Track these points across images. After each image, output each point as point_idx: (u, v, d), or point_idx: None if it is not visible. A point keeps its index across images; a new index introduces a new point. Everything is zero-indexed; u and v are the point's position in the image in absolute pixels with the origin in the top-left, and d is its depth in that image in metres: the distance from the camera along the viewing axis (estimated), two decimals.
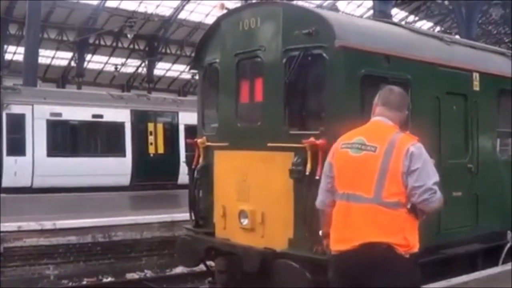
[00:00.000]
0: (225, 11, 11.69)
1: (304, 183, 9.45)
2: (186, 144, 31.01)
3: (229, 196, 10.96)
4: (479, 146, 11.87)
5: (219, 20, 11.91)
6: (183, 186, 27.27)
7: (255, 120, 10.83)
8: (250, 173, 10.60)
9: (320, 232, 6.65)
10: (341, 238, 5.90)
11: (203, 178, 11.65)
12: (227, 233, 11.06)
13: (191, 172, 11.95)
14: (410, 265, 5.79)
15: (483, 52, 13.41)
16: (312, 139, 9.41)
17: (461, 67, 11.64)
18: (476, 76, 11.92)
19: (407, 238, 5.70)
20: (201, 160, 11.74)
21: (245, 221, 10.55)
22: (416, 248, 5.80)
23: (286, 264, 9.45)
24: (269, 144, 10.19)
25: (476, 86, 11.92)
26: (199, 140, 11.76)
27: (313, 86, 10.48)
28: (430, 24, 65.92)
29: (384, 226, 5.67)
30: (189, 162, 12.04)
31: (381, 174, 5.73)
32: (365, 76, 9.72)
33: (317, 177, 9.27)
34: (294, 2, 31.61)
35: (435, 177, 5.79)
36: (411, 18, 65.30)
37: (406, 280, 5.79)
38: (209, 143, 11.63)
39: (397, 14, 60.50)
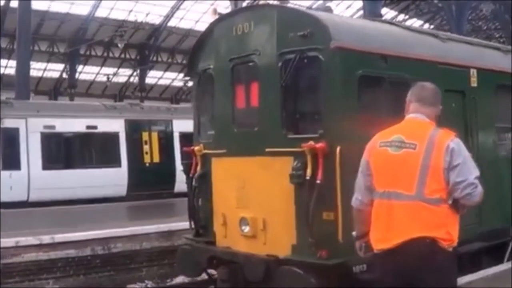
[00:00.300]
0: (217, 16, 11.52)
1: (305, 188, 9.32)
2: (182, 152, 30.85)
3: (229, 204, 10.82)
4: (479, 143, 11.78)
5: (212, 26, 11.75)
6: (179, 195, 27.25)
7: (252, 125, 10.68)
8: (249, 180, 10.45)
9: (354, 233, 6.59)
10: (384, 237, 5.91)
11: (202, 186, 11.50)
12: (228, 241, 10.92)
13: (189, 180, 11.81)
14: (453, 258, 5.85)
15: (479, 47, 13.34)
16: (311, 142, 9.30)
17: (458, 63, 11.55)
18: (473, 72, 11.83)
19: (449, 233, 5.73)
20: (198, 168, 11.59)
21: (246, 229, 10.42)
22: (456, 242, 5.83)
23: (290, 271, 9.30)
24: (267, 150, 10.06)
25: (474, 82, 11.84)
26: (196, 148, 11.61)
27: (309, 89, 10.35)
28: (420, 22, 65.98)
29: (427, 222, 5.69)
30: (187, 171, 11.90)
31: (422, 171, 5.75)
32: (362, 77, 9.62)
33: (318, 181, 9.19)
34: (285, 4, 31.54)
35: (476, 172, 5.84)
36: (401, 17, 65.32)
37: (451, 273, 5.92)
38: (206, 151, 11.47)
39: (387, 13, 60.43)
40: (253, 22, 10.61)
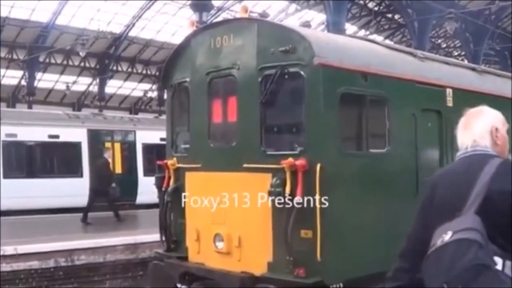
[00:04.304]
0: (195, 28, 11.35)
1: (284, 205, 9.17)
2: (144, 164, 30.41)
3: (203, 219, 10.65)
4: None
5: (189, 38, 11.55)
6: (141, 206, 26.85)
7: (230, 140, 10.56)
8: (225, 195, 10.27)
9: None
10: None
11: (175, 201, 11.28)
12: (201, 257, 10.75)
13: (161, 194, 11.59)
14: None
15: (455, 67, 13.36)
16: (290, 159, 9.18)
17: (435, 83, 11.55)
18: (449, 92, 11.82)
19: None
20: (171, 182, 11.39)
21: (220, 245, 10.26)
22: None
23: None
24: (245, 165, 9.93)
25: (450, 102, 11.83)
26: (169, 162, 11.42)
27: (290, 105, 10.21)
28: (380, 38, 66.37)
29: None
30: (159, 185, 11.68)
31: None
32: (344, 94, 9.55)
33: (296, 199, 9.05)
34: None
35: None
36: (362, 32, 65.65)
37: None
38: (180, 165, 11.29)
39: (348, 29, 60.69)
40: (232, 35, 10.48)
